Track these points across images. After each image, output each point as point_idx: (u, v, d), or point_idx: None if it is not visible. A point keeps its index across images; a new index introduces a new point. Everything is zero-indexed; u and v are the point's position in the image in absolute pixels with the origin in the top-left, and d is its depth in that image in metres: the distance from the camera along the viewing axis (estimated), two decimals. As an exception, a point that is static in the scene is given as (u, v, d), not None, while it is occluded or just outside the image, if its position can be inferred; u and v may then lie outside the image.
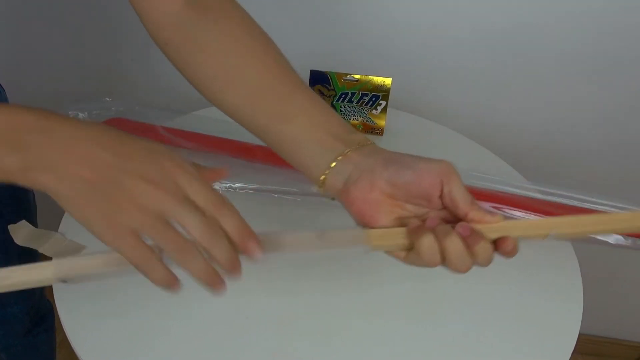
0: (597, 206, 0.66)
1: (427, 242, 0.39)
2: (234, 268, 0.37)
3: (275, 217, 0.66)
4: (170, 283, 0.37)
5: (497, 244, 0.41)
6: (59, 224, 0.64)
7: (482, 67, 0.98)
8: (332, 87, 0.84)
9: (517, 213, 0.65)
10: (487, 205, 0.65)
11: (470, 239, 0.39)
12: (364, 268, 0.62)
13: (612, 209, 0.65)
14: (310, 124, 0.45)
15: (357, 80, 0.83)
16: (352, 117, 0.86)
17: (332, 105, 0.85)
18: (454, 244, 0.39)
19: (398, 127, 0.90)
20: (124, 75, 1.08)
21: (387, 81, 0.83)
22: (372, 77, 0.83)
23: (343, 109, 0.86)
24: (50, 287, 0.56)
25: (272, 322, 0.54)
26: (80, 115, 0.77)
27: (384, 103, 0.84)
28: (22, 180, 0.36)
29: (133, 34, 1.01)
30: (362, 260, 0.62)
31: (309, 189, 0.66)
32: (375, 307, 0.57)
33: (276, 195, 0.69)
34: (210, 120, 0.79)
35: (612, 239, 0.66)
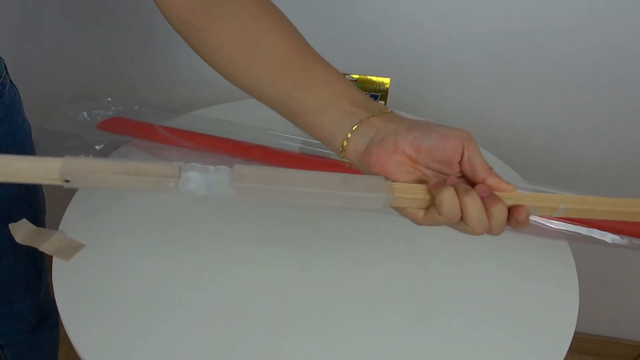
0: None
1: (449, 195, 0.40)
2: None
3: (273, 217, 0.67)
4: None
5: (510, 211, 0.42)
6: (59, 222, 0.64)
7: (481, 67, 0.99)
8: (330, 87, 0.84)
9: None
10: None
11: (488, 200, 0.41)
12: (362, 266, 0.62)
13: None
14: (332, 92, 0.46)
15: (356, 80, 0.83)
16: (350, 117, 0.87)
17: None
18: (474, 201, 0.40)
19: (396, 127, 0.90)
20: (123, 75, 1.09)
21: (386, 81, 0.83)
22: (370, 77, 0.83)
23: (341, 108, 0.86)
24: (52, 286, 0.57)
25: (269, 319, 0.55)
26: (80, 114, 0.78)
27: (382, 103, 0.85)
28: None
29: (133, 33, 1.02)
30: (359, 258, 0.63)
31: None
32: (372, 302, 0.58)
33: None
34: (209, 120, 0.79)
35: (609, 238, 0.67)
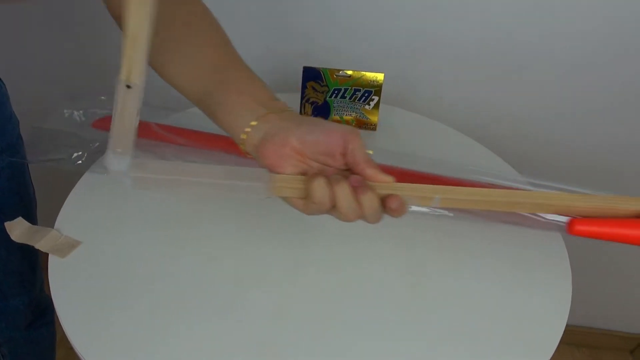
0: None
1: (318, 184, 0.44)
2: None
3: (272, 215, 0.67)
4: None
5: (384, 200, 0.45)
6: (55, 219, 0.65)
7: (475, 62, 0.99)
8: (325, 83, 0.84)
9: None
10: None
11: (358, 189, 0.44)
12: (359, 265, 0.62)
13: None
14: (239, 91, 0.50)
15: (350, 76, 0.84)
16: (345, 113, 0.87)
17: (326, 101, 0.86)
18: (343, 190, 0.44)
19: (391, 123, 0.90)
20: (118, 73, 1.08)
21: (380, 77, 0.83)
22: (364, 72, 0.83)
23: (336, 104, 0.86)
24: (48, 283, 0.57)
25: (267, 316, 0.55)
26: (76, 113, 0.78)
27: (376, 98, 0.85)
28: None
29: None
30: (356, 256, 0.63)
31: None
32: (366, 300, 0.58)
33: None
34: (204, 117, 0.79)
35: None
